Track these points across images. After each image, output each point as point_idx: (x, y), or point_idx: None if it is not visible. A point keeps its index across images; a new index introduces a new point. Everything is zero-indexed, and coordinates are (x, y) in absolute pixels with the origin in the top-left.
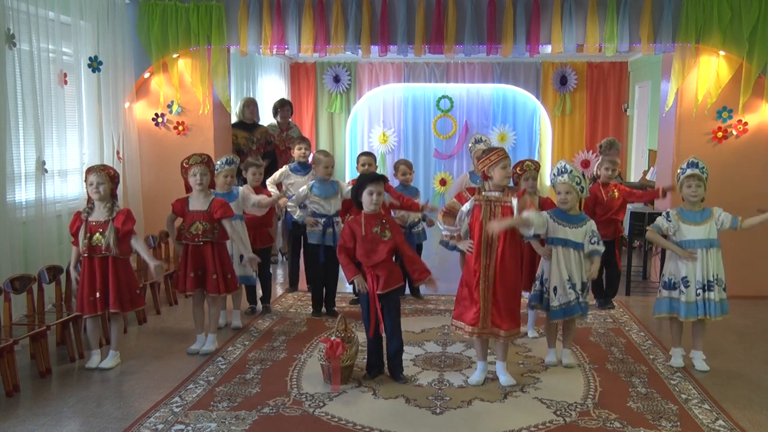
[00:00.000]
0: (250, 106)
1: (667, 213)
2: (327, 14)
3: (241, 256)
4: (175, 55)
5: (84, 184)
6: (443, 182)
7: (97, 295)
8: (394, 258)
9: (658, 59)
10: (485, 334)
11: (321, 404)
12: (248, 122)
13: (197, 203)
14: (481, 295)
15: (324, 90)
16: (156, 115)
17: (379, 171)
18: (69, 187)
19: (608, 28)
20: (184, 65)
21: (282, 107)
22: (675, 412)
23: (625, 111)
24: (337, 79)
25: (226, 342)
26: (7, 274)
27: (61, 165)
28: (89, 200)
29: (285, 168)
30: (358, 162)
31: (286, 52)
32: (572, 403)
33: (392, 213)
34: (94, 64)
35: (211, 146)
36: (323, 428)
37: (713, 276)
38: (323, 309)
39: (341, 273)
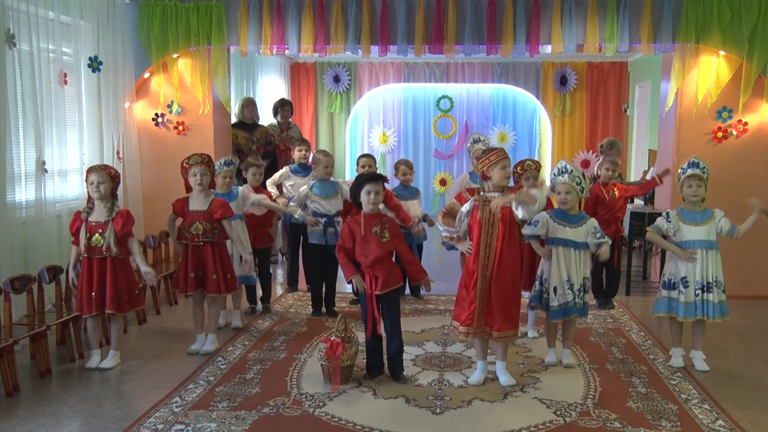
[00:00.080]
0: (249, 105)
1: (667, 213)
2: (327, 14)
3: (242, 257)
4: (175, 55)
5: (84, 184)
6: (443, 182)
7: (93, 295)
8: (393, 258)
9: (658, 59)
10: (479, 334)
11: (321, 404)
12: (248, 122)
13: (197, 203)
14: (477, 295)
15: (324, 90)
16: (156, 115)
17: (379, 171)
18: (69, 187)
19: (608, 28)
20: (184, 65)
21: (282, 107)
22: (675, 412)
23: (625, 111)
24: (337, 79)
25: (226, 342)
26: (7, 274)
27: (61, 165)
28: (89, 200)
29: (285, 169)
30: (358, 164)
31: (286, 52)
32: (572, 403)
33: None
34: (94, 64)
35: (211, 146)
36: (323, 428)
37: (712, 278)
38: (323, 309)
39: (341, 273)
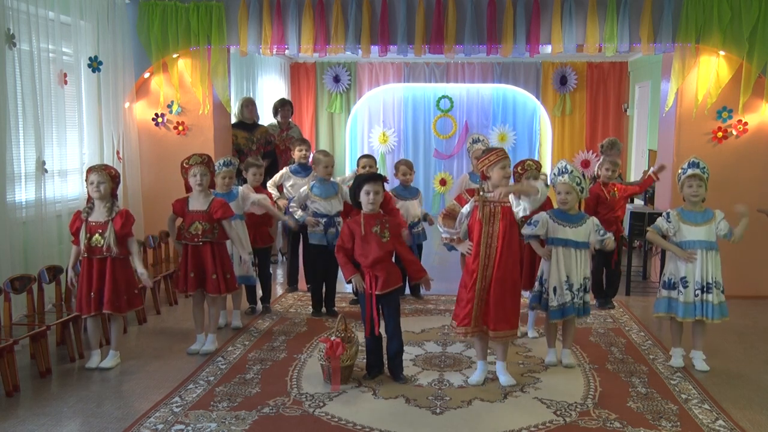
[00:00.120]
0: (249, 105)
1: (667, 214)
2: (327, 14)
3: (241, 257)
4: (175, 55)
5: (84, 183)
6: (443, 182)
7: (92, 295)
8: (393, 258)
9: (658, 59)
10: (476, 333)
11: (321, 404)
12: (248, 122)
13: (197, 203)
14: (476, 295)
15: (324, 90)
16: (156, 115)
17: (379, 171)
18: (69, 187)
19: (608, 28)
20: (184, 65)
21: (282, 107)
22: (675, 412)
23: (625, 111)
24: (337, 79)
25: (226, 342)
26: (7, 274)
27: (61, 165)
28: (89, 200)
29: (285, 170)
30: (358, 164)
31: (286, 52)
32: (572, 403)
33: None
34: (94, 64)
35: (211, 146)
36: (323, 428)
37: (712, 278)
38: (323, 309)
39: (341, 273)
